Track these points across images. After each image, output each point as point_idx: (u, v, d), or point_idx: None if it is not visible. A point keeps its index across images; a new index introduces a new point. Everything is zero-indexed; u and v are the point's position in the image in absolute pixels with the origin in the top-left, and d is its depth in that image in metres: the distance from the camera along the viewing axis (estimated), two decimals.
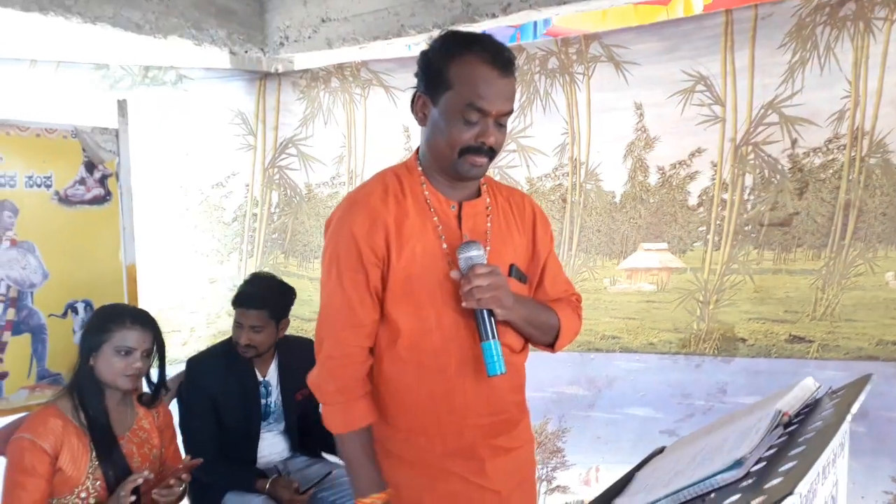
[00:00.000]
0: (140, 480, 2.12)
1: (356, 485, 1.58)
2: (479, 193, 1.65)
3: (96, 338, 2.26)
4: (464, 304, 1.52)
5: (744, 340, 3.31)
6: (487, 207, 1.64)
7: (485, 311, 1.51)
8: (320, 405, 1.64)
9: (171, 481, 2.15)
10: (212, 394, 2.55)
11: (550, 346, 1.71)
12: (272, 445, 2.67)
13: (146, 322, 2.30)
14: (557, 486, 3.41)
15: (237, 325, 2.61)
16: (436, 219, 1.57)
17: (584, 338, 3.62)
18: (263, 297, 2.61)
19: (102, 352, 2.24)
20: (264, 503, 2.47)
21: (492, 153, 1.53)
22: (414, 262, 1.54)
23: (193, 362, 2.68)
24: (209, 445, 2.54)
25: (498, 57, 1.50)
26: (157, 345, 2.32)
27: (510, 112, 1.55)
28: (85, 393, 2.25)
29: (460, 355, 1.57)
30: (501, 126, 1.54)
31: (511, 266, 1.64)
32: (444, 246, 1.56)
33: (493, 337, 1.52)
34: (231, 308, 2.67)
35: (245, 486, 2.55)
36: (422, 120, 1.57)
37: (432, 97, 1.53)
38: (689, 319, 3.41)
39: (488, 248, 1.59)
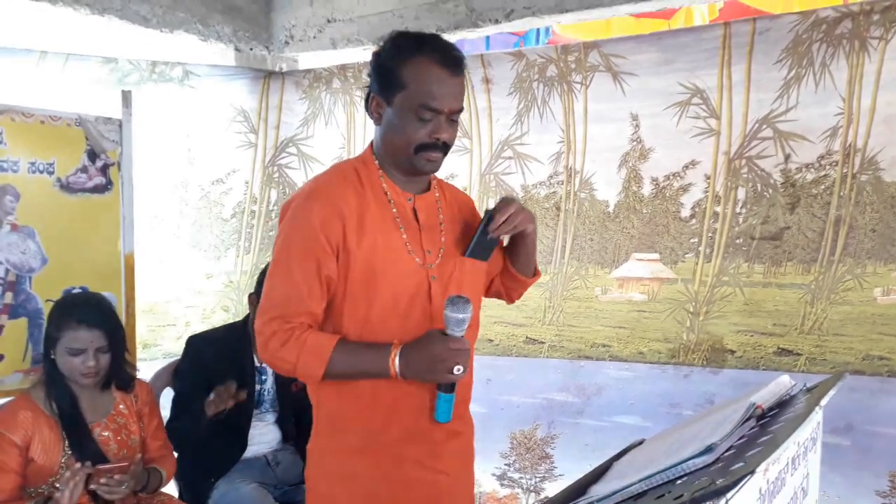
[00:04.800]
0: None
1: (374, 370, 1.54)
2: (429, 187, 1.72)
3: (52, 335, 2.25)
4: (502, 234, 1.67)
5: (732, 352, 3.33)
6: (437, 200, 1.72)
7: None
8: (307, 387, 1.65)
9: (117, 476, 2.12)
10: (208, 372, 2.53)
11: (531, 276, 1.85)
12: (262, 435, 2.66)
13: (95, 320, 2.25)
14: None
15: None
16: (395, 210, 1.63)
17: (574, 345, 3.65)
18: None
19: (58, 350, 2.23)
20: (255, 491, 2.48)
21: (445, 148, 1.60)
22: (376, 254, 1.58)
23: (194, 339, 2.69)
24: (200, 427, 2.53)
25: (448, 57, 1.57)
26: (115, 337, 2.28)
27: (461, 110, 1.62)
28: (52, 384, 2.24)
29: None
30: (454, 122, 1.60)
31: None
32: (404, 236, 1.62)
33: (454, 390, 1.58)
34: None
35: (232, 460, 2.57)
36: (377, 119, 1.63)
37: (386, 97, 1.59)
38: (678, 330, 3.44)
39: (443, 238, 1.67)
